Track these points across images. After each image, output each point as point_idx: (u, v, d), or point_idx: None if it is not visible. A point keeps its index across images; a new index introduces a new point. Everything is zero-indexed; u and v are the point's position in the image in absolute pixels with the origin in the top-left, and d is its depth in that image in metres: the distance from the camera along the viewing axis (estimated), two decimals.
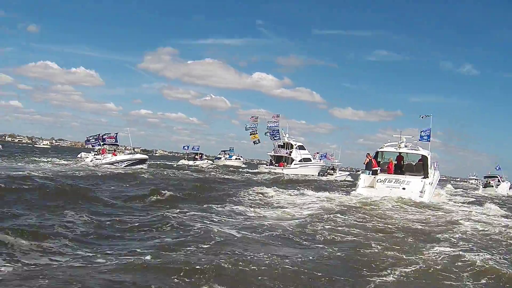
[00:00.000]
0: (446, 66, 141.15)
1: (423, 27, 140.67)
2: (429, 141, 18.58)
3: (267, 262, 5.52)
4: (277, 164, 42.22)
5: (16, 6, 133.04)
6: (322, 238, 7.69)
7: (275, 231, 8.05)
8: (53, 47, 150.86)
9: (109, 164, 27.44)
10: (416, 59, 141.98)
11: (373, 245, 7.08)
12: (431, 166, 18.11)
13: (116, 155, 29.32)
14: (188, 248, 6.01)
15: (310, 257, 6.07)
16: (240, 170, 42.14)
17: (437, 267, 5.97)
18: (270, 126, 44.11)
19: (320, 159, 49.84)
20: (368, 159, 17.75)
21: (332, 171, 44.96)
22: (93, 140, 29.19)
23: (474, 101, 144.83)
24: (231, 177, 26.39)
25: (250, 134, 46.23)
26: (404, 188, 16.17)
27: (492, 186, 36.99)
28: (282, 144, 43.56)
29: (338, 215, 10.45)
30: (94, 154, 29.05)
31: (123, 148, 32.31)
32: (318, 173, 45.14)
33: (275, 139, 43.81)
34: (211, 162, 53.83)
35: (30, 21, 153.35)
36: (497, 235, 9.48)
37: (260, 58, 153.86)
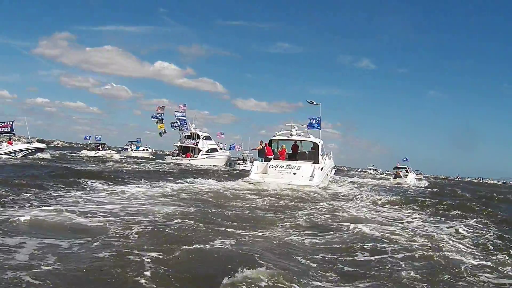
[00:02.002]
0: (345, 60, 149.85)
1: (323, 21, 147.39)
2: (319, 129, 19.55)
3: None
4: (184, 155, 41.83)
5: None
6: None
7: None
8: None
9: (4, 154, 25.58)
10: (317, 53, 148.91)
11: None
12: (322, 153, 19.10)
13: (11, 144, 27.35)
14: None
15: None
16: (151, 162, 40.65)
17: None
18: (178, 116, 43.57)
19: (229, 150, 50.27)
20: (260, 146, 18.30)
21: (242, 162, 45.54)
22: None
23: (371, 94, 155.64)
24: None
25: (157, 123, 45.33)
26: (295, 173, 16.85)
27: (401, 177, 40.04)
28: (189, 134, 43.22)
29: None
30: None
31: (19, 138, 29.91)
32: (226, 163, 45.53)
33: (182, 130, 43.33)
34: (115, 152, 51.76)
35: None
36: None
37: (162, 47, 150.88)
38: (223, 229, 6.31)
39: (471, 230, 8.21)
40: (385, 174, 76.68)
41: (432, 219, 10.07)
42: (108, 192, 10.20)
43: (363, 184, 27.56)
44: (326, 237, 6.72)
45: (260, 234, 6.27)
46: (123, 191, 10.45)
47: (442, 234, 7.51)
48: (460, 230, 7.98)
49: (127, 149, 59.19)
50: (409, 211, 11.74)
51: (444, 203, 13.65)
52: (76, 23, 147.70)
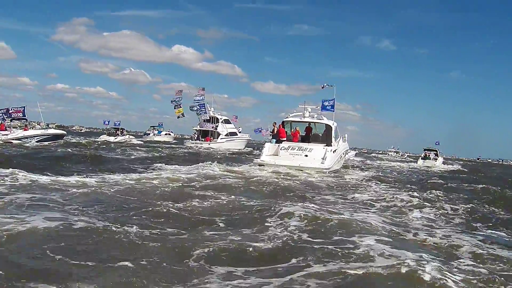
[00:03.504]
0: (365, 41, 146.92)
1: (342, 2, 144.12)
2: (333, 111, 19.26)
3: None
4: (203, 139, 42.05)
5: None
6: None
7: None
8: None
9: (15, 139, 25.22)
10: (336, 34, 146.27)
11: None
12: (336, 136, 18.87)
13: (27, 130, 27.05)
14: None
15: None
16: (173, 146, 40.72)
17: None
18: (197, 100, 43.67)
19: (255, 134, 49.93)
20: (275, 128, 18.19)
21: None
22: (0, 114, 26.60)
23: (391, 76, 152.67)
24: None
25: (175, 108, 45.57)
26: (306, 155, 16.71)
27: (430, 159, 39.32)
28: (208, 118, 43.32)
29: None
30: None
31: (35, 124, 30.07)
32: (245, 147, 45.59)
33: (201, 113, 43.45)
34: (133, 137, 52.32)
35: None
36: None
37: (180, 31, 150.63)
38: None
39: None
40: (406, 156, 75.45)
41: None
42: None
43: (391, 170, 26.44)
44: None
45: None
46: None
47: None
48: None
49: (149, 134, 59.93)
50: None
51: None
52: (94, 9, 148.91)
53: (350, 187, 12.93)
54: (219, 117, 43.96)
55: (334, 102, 19.23)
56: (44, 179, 8.69)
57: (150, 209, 6.60)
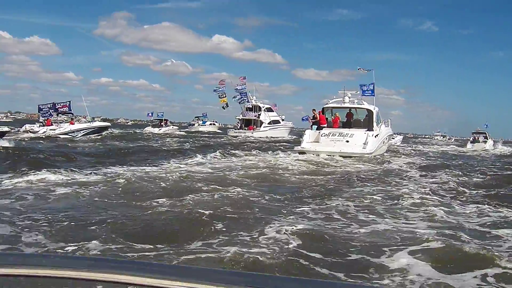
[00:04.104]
0: (407, 24, 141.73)
1: None
2: (373, 95, 19.01)
3: None
4: (246, 128, 42.47)
5: None
6: None
7: None
8: (2, 16, 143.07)
9: (63, 134, 25.91)
10: (377, 17, 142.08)
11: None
12: (378, 120, 18.67)
13: (73, 124, 27.91)
14: None
15: None
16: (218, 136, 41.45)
17: None
18: (239, 89, 43.97)
19: (302, 122, 49.92)
20: (315, 114, 18.23)
21: None
22: (46, 108, 27.50)
23: (435, 58, 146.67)
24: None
25: (219, 98, 46.12)
26: (347, 141, 16.70)
27: (479, 142, 37.93)
28: (250, 107, 43.67)
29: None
30: (39, 125, 27.60)
31: (81, 118, 30.88)
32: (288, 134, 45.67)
33: (243, 102, 43.80)
34: (177, 127, 53.52)
35: None
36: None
37: (219, 20, 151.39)
38: None
39: None
40: (453, 140, 72.62)
41: None
42: None
43: (438, 154, 25.22)
44: None
45: None
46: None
47: None
48: None
49: (193, 124, 61.05)
50: None
51: None
52: (134, 2, 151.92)
53: (392, 176, 11.63)
54: (261, 105, 44.19)
55: (374, 86, 18.97)
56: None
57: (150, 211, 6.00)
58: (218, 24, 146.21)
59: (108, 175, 9.19)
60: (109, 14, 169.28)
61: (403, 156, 20.90)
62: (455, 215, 6.57)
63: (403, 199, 7.57)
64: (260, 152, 17.78)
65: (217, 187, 8.06)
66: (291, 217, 5.91)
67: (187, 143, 24.44)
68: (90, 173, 9.33)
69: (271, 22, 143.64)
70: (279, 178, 10.35)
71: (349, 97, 18.57)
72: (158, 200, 6.64)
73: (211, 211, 5.77)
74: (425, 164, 16.79)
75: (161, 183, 8.31)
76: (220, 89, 46.42)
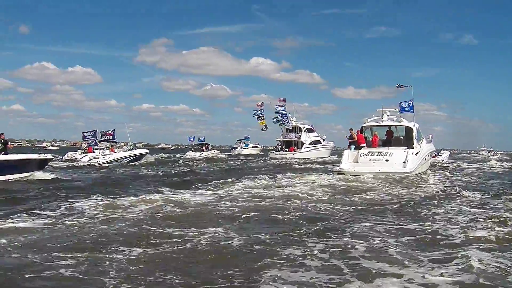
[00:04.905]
0: (446, 38, 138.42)
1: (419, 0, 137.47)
2: (413, 112, 18.66)
3: None
4: (287, 149, 42.51)
5: (3, 7, 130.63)
6: None
7: None
8: (47, 47, 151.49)
9: (108, 163, 26.28)
10: (415, 33, 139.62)
11: None
12: (418, 137, 18.25)
13: (114, 151, 28.71)
14: None
15: None
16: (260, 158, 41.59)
17: None
18: (279, 111, 44.17)
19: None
20: (352, 134, 17.97)
21: None
22: (90, 136, 28.74)
23: (476, 71, 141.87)
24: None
25: (258, 120, 46.55)
26: (387, 160, 16.37)
27: None
28: (291, 128, 43.73)
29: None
30: (81, 153, 28.55)
31: (122, 144, 31.88)
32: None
33: (284, 124, 43.90)
34: (218, 151, 54.16)
35: (19, 21, 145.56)
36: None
37: (256, 43, 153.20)
38: None
39: None
40: (498, 155, 68.93)
41: None
42: None
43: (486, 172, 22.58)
44: None
45: None
46: None
47: None
48: None
49: (236, 147, 61.82)
50: None
51: None
52: (172, 29, 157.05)
53: (427, 202, 9.68)
54: (301, 126, 44.22)
55: (412, 102, 18.65)
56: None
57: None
58: (255, 46, 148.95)
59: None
60: (149, 41, 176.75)
61: (450, 175, 18.88)
62: None
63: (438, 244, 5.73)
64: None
65: None
66: None
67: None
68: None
69: (308, 42, 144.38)
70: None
71: (387, 115, 18.30)
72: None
73: None
74: (474, 186, 14.49)
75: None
76: (259, 112, 46.91)
